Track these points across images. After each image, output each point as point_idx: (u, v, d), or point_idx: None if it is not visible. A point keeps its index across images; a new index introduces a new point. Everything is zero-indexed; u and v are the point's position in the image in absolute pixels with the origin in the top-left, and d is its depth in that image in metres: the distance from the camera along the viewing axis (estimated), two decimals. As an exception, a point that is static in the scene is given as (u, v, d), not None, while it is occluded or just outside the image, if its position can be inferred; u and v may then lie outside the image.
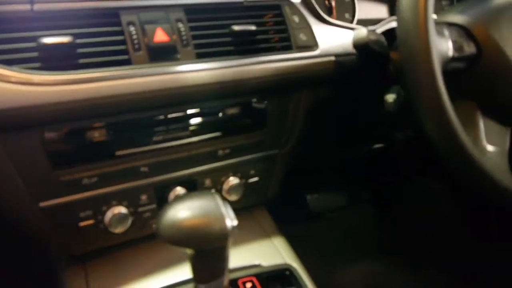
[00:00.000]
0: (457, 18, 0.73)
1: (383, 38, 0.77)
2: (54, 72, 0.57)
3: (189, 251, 0.54)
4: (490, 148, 0.71)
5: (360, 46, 0.78)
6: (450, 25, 0.72)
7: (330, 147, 1.25)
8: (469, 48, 0.70)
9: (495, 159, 0.71)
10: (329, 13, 0.93)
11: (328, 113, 0.98)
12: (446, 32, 0.69)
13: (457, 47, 0.69)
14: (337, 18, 0.92)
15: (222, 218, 0.52)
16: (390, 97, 0.75)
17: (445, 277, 1.35)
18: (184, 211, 0.52)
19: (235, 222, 0.54)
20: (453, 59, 0.68)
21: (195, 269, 0.57)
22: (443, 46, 0.67)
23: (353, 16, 0.96)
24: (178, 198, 0.55)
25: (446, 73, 0.62)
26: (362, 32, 0.77)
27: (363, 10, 0.98)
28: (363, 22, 0.94)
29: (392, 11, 1.02)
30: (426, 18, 0.58)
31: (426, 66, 0.58)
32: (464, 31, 0.71)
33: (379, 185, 1.65)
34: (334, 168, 1.54)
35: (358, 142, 1.24)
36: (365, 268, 1.51)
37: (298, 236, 0.95)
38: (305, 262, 0.84)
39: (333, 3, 0.92)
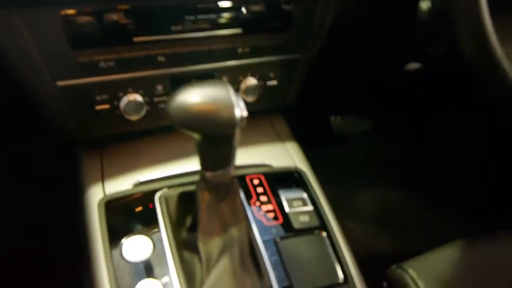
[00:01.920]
0: None
1: None
2: None
3: (196, 136, 0.54)
4: None
5: None
6: None
7: (357, 63, 1.21)
8: None
9: None
10: None
11: (357, 24, 0.93)
12: None
13: None
14: None
15: (231, 107, 0.52)
16: (425, 4, 0.70)
17: (463, 216, 1.35)
18: (195, 96, 0.52)
19: (244, 113, 0.53)
20: None
21: (202, 156, 0.58)
22: None
23: None
24: (191, 85, 0.54)
25: None
26: None
27: None
28: None
29: None
30: None
31: None
32: None
33: (405, 115, 1.61)
34: (360, 91, 1.51)
35: (388, 59, 1.19)
36: (381, 193, 1.52)
37: (318, 156, 0.94)
38: (320, 179, 0.84)
39: None
